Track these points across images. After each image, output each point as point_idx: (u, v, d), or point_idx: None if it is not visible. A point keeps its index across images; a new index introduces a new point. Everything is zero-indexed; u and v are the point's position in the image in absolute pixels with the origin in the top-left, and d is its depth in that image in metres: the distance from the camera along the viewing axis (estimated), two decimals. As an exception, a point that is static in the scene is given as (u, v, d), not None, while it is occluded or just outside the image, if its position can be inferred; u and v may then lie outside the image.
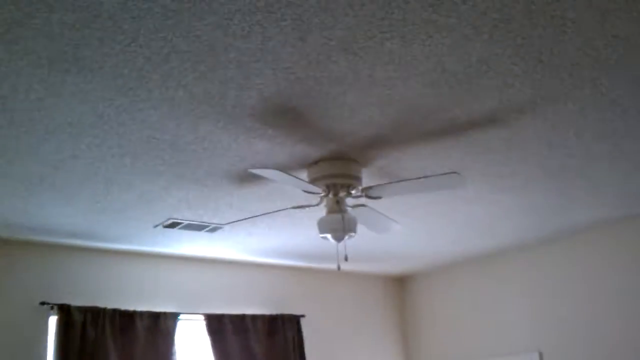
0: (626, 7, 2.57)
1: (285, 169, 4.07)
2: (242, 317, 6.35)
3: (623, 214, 5.71)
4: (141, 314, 5.74)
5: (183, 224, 5.14)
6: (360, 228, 4.90)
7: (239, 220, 4.71)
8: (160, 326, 5.81)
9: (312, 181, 4.01)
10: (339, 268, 4.37)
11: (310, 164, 4.05)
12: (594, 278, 6.10)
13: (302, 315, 6.79)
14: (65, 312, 5.36)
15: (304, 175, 4.12)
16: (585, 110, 3.52)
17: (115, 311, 5.62)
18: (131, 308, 5.75)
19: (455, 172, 3.69)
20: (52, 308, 5.38)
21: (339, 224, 3.96)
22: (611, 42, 2.83)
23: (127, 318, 5.66)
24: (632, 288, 5.79)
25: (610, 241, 6.03)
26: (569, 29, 2.70)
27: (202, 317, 6.19)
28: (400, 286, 7.96)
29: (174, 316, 5.94)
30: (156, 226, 5.17)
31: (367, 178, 4.29)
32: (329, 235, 4.03)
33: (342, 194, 4.00)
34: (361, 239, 5.78)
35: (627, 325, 5.77)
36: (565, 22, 2.66)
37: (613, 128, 3.79)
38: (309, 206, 4.23)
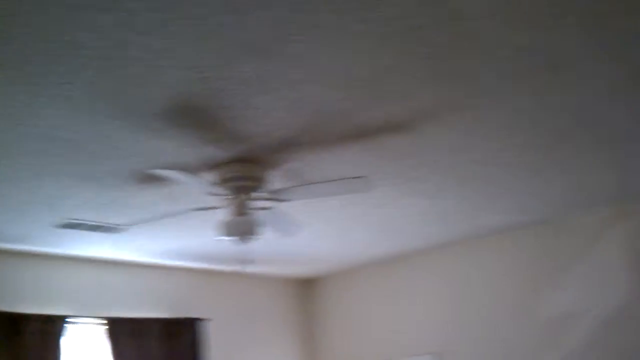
0: (529, 19, 2.65)
1: (192, 170, 4.01)
2: (140, 321, 6.21)
3: (524, 221, 5.90)
4: (31, 317, 5.48)
5: (84, 225, 4.98)
6: (268, 231, 4.88)
7: (141, 222, 4.61)
8: (49, 330, 5.57)
9: (219, 183, 3.96)
10: (242, 270, 4.34)
11: (217, 166, 4.00)
12: (495, 282, 6.28)
13: (207, 319, 6.71)
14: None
15: (211, 176, 4.07)
16: (488, 119, 3.62)
17: (2, 314, 5.36)
18: (23, 311, 5.50)
19: (361, 176, 3.72)
20: None
21: (242, 227, 3.93)
22: (514, 52, 2.91)
23: (15, 321, 5.41)
24: (531, 293, 5.99)
25: (511, 247, 6.22)
26: (473, 38, 2.76)
27: (100, 321, 6.02)
28: (308, 288, 7.98)
29: (63, 319, 5.71)
30: (56, 226, 5.00)
31: (276, 180, 4.27)
32: (231, 238, 4.00)
33: (246, 196, 3.97)
34: (269, 241, 5.76)
35: (523, 329, 5.96)
36: (470, 33, 2.71)
37: (515, 136, 3.90)
38: (211, 208, 4.17)
